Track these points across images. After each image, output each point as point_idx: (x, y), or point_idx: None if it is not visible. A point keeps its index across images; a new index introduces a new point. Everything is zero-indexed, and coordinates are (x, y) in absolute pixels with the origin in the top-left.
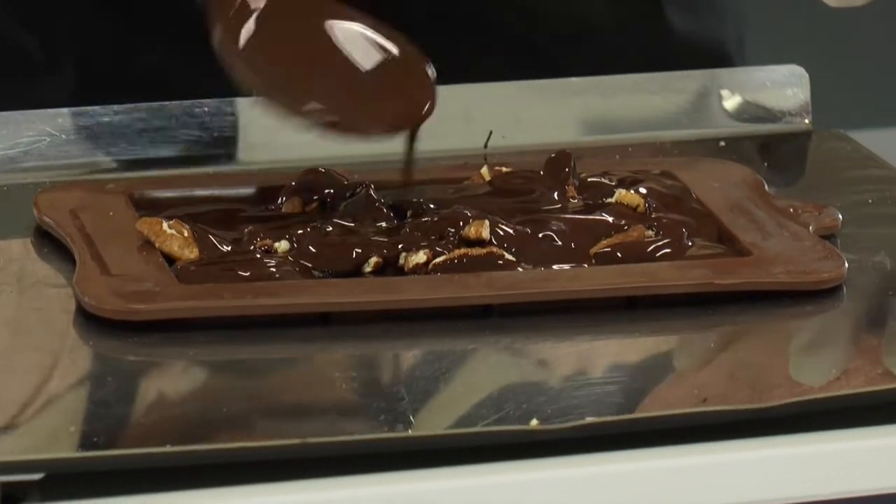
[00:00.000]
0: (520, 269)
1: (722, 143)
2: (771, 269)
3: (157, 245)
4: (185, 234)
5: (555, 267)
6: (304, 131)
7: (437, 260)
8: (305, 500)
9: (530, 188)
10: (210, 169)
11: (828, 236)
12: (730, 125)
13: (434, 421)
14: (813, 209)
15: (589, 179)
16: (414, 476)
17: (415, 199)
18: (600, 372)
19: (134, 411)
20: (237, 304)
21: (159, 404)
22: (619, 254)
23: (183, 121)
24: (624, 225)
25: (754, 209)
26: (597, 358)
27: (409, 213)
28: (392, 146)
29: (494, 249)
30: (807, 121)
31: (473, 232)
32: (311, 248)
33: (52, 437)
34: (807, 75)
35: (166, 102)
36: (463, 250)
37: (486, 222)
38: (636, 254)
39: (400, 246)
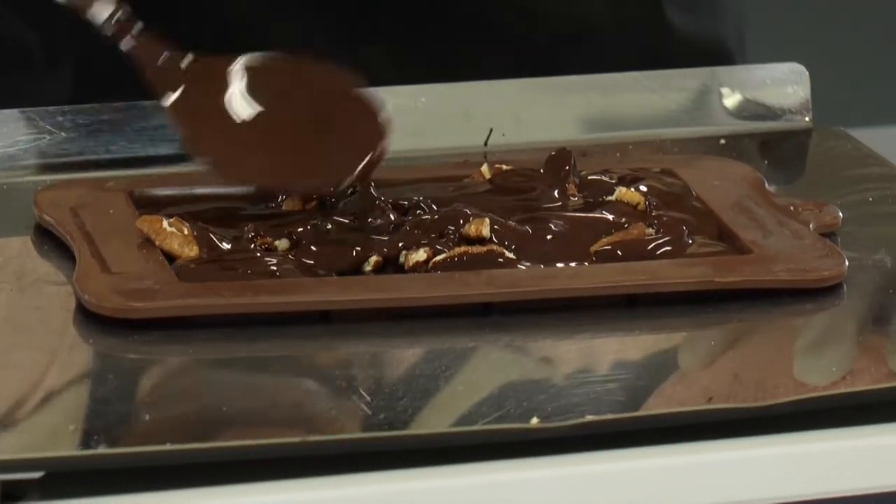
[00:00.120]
0: (520, 267)
1: (722, 141)
2: (771, 267)
3: (157, 243)
4: (186, 232)
5: (555, 265)
6: None
7: (438, 258)
8: (305, 499)
9: (530, 186)
10: None
11: (828, 234)
12: (730, 123)
13: (434, 419)
14: (813, 207)
15: (589, 177)
16: (414, 475)
17: (415, 197)
18: (601, 370)
19: (134, 409)
20: (237, 302)
21: (159, 403)
22: (619, 252)
23: None
24: (624, 223)
25: (755, 207)
26: (597, 356)
27: (409, 211)
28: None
29: (495, 247)
30: (807, 119)
31: (474, 230)
32: (311, 246)
33: (52, 436)
34: (807, 73)
35: None
36: (463, 248)
37: (487, 220)
38: (636, 252)
39: (400, 244)
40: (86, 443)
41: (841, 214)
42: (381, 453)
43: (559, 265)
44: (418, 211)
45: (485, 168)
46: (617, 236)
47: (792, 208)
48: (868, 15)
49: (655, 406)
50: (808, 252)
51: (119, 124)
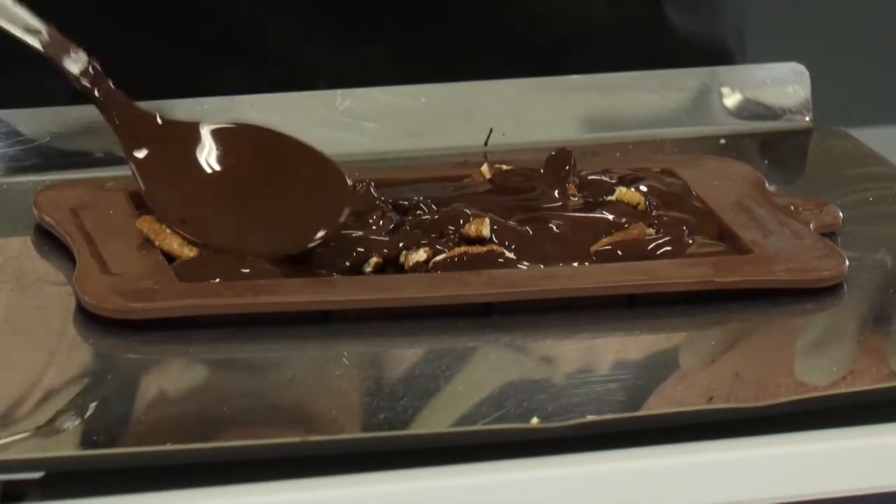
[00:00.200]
0: (520, 267)
1: (722, 141)
2: (771, 267)
3: (156, 243)
4: None
5: (555, 265)
6: (304, 132)
7: (438, 258)
8: (305, 499)
9: (531, 186)
10: None
11: (828, 234)
12: (730, 123)
13: (434, 419)
14: (813, 207)
15: (589, 177)
16: (414, 475)
17: (415, 197)
18: (601, 370)
19: (134, 410)
20: (237, 303)
21: (159, 403)
22: (619, 252)
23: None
24: (624, 223)
25: (755, 207)
26: (597, 356)
27: (409, 211)
28: (392, 146)
29: (495, 247)
30: (807, 118)
31: (474, 230)
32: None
33: (52, 436)
34: (807, 73)
35: (166, 101)
36: (463, 248)
37: (487, 220)
38: (637, 252)
39: (400, 244)
40: (86, 443)
41: (841, 214)
42: (381, 453)
43: (559, 265)
44: (418, 211)
45: (485, 168)
46: (617, 236)
47: (792, 208)
48: (868, 15)
49: (656, 406)
50: (809, 252)
51: None
